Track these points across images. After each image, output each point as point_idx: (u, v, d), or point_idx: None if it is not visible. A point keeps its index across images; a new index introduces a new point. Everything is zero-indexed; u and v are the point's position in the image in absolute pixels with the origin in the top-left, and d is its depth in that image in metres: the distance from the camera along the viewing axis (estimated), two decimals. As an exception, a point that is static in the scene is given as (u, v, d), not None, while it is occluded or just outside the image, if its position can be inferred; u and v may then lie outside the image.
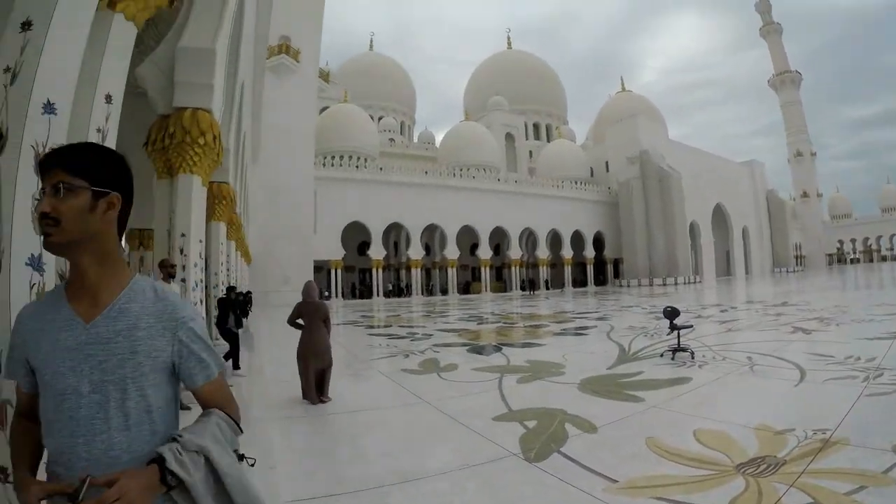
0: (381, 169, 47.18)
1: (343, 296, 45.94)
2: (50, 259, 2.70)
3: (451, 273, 49.71)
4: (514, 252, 52.53)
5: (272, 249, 37.55)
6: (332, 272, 44.02)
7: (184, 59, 7.79)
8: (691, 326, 11.42)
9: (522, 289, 53.28)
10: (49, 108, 2.73)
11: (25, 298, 2.54)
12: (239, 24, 11.25)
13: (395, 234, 53.31)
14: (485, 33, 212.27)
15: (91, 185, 1.46)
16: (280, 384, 8.90)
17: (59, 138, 2.78)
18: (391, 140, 70.13)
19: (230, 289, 11.83)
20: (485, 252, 50.35)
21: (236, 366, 10.57)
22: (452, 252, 48.48)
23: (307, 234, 40.00)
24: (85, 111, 3.25)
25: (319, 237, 41.42)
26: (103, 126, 3.42)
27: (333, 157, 46.23)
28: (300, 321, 7.97)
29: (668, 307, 10.55)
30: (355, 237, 47.41)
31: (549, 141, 77.73)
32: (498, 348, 12.51)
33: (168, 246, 7.96)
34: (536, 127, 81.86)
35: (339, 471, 4.91)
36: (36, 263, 2.61)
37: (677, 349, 9.87)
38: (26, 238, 2.58)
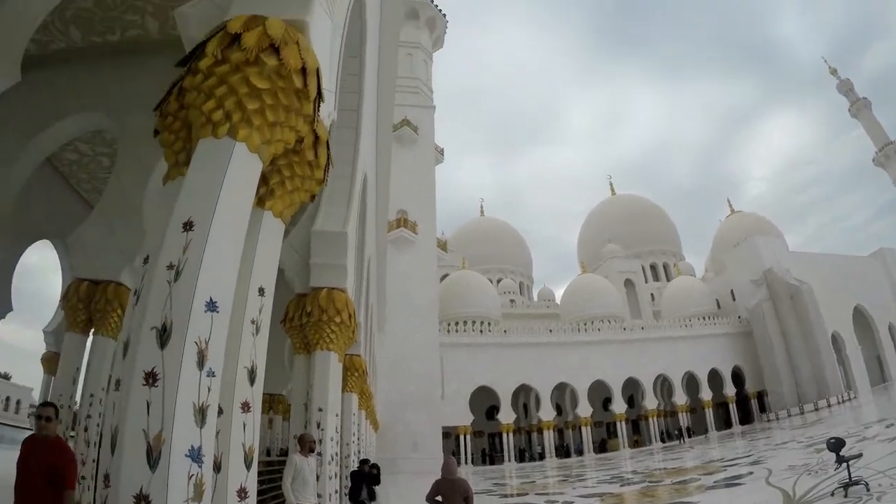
0: (505, 332, 47.26)
1: (472, 462, 44.58)
2: (209, 451, 2.75)
3: (585, 432, 47.20)
4: (650, 402, 49.52)
5: (400, 416, 37.59)
6: (461, 438, 43.15)
7: (318, 242, 8.36)
8: (860, 455, 10.32)
9: (663, 440, 49.57)
10: (211, 305, 2.90)
11: (183, 490, 2.57)
12: (363, 205, 11.97)
13: (523, 396, 51.74)
14: (588, 181, 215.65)
15: None
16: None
17: (221, 334, 2.94)
18: (512, 301, 70.52)
19: (363, 461, 11.79)
20: (619, 406, 47.92)
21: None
22: (585, 409, 46.48)
23: (434, 401, 39.88)
24: (240, 304, 3.44)
25: (447, 403, 41.30)
26: (257, 318, 3.61)
27: (457, 323, 46.92)
28: (439, 498, 7.75)
29: (832, 439, 9.65)
30: (483, 401, 46.75)
31: (668, 280, 75.25)
32: (648, 511, 11.73)
33: (305, 419, 8.09)
34: (654, 268, 79.87)
35: None
36: (195, 455, 2.66)
37: (849, 483, 8.87)
38: (187, 430, 2.65)
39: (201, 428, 2.73)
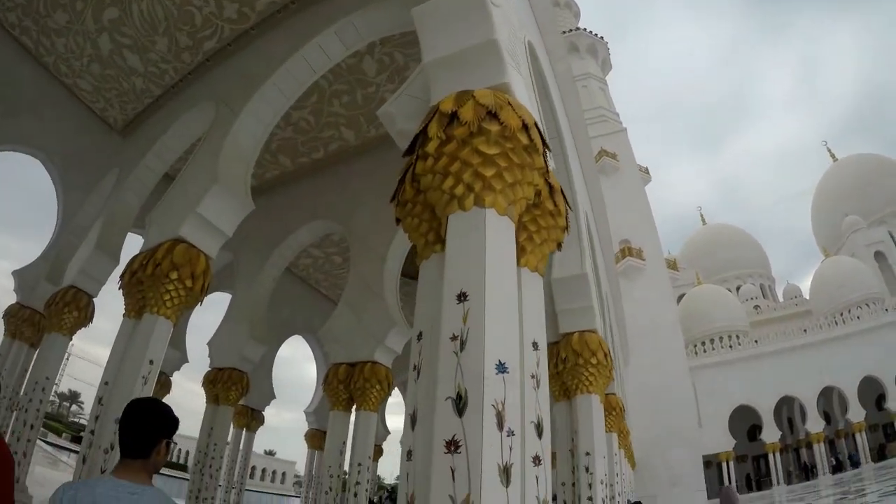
0: (755, 342, 43.96)
1: (737, 490, 41.13)
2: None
3: (861, 438, 40.76)
4: (931, 391, 41.31)
5: (655, 451, 35.89)
6: (723, 465, 40.67)
7: (561, 289, 8.47)
8: None
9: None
10: (502, 367, 3.02)
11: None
12: (591, 244, 11.94)
13: (786, 410, 46.30)
14: (805, 153, 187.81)
15: None
16: None
17: (514, 393, 3.05)
18: (756, 307, 64.39)
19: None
20: (894, 403, 40.83)
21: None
22: (856, 413, 40.48)
23: (691, 429, 37.68)
24: (519, 362, 3.53)
25: (705, 430, 39.04)
26: (536, 372, 3.69)
27: (703, 343, 44.63)
28: None
29: None
30: (743, 422, 43.48)
31: (925, 240, 62.17)
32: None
33: (572, 465, 8.06)
34: (905, 230, 66.05)
35: None
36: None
37: None
38: (494, 492, 2.75)
39: (507, 487, 2.83)
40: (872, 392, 42.79)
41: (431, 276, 3.75)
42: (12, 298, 13.72)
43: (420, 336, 3.55)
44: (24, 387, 11.60)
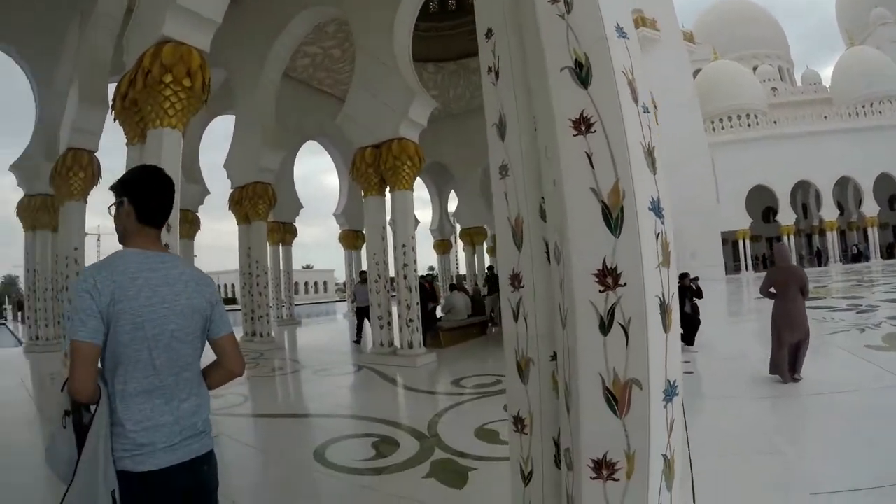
0: (775, 122, 42.33)
1: (754, 268, 42.10)
2: (666, 203, 2.26)
3: (872, 234, 40.93)
4: (948, 200, 40.75)
5: (675, 225, 35.51)
6: (740, 243, 41.02)
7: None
8: None
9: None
10: (620, 31, 2.31)
11: (654, 253, 2.11)
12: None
13: (801, 195, 46.04)
14: None
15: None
16: (737, 361, 8.76)
17: (639, 65, 2.37)
18: (773, 90, 61.40)
19: (683, 275, 11.27)
20: None
21: (691, 342, 10.29)
22: (870, 208, 40.16)
23: (710, 205, 37.22)
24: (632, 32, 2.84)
25: (722, 207, 38.78)
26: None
27: (721, 120, 43.11)
28: (773, 290, 7.36)
29: None
30: (759, 203, 43.31)
31: (956, 47, 57.47)
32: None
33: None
34: (936, 35, 60.90)
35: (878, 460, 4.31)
36: (656, 208, 2.18)
37: None
38: (644, 178, 2.16)
39: (654, 175, 2.22)
40: (887, 190, 42.54)
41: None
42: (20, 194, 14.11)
43: (489, 33, 2.89)
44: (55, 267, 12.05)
